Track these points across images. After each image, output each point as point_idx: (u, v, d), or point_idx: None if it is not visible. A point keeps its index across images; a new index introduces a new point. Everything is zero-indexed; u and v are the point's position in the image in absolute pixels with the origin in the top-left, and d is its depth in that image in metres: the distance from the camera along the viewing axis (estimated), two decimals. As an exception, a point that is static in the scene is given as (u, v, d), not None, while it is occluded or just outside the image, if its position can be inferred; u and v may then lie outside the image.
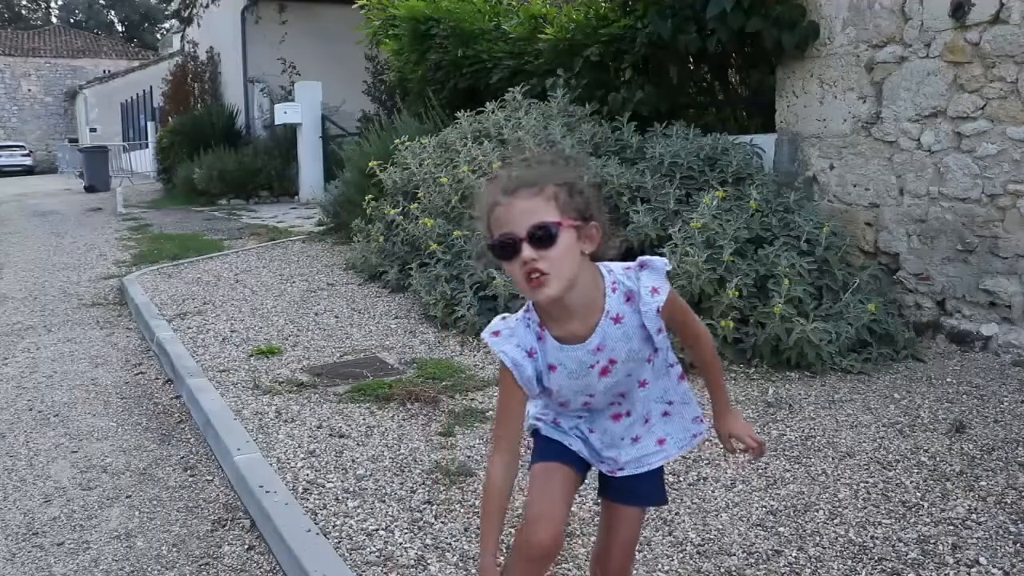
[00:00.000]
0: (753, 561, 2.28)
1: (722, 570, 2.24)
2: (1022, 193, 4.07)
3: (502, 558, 1.69)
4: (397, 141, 6.60)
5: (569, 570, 2.25)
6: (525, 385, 1.54)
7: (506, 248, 1.43)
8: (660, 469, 1.74)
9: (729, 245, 4.11)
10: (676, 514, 2.56)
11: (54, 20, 51.90)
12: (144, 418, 3.79)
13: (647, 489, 1.73)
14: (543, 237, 1.41)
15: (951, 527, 2.45)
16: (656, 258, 1.57)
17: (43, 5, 55.03)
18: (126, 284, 6.52)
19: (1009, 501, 2.60)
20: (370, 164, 6.72)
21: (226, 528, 2.71)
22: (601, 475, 1.75)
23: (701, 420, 1.75)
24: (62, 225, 11.69)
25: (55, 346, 5.08)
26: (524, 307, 1.58)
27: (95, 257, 8.53)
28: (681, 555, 2.32)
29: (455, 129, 6.31)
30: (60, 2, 53.95)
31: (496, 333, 1.55)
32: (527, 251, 1.41)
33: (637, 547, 2.36)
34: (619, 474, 1.70)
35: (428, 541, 2.42)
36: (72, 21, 50.92)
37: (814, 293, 4.15)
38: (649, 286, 1.53)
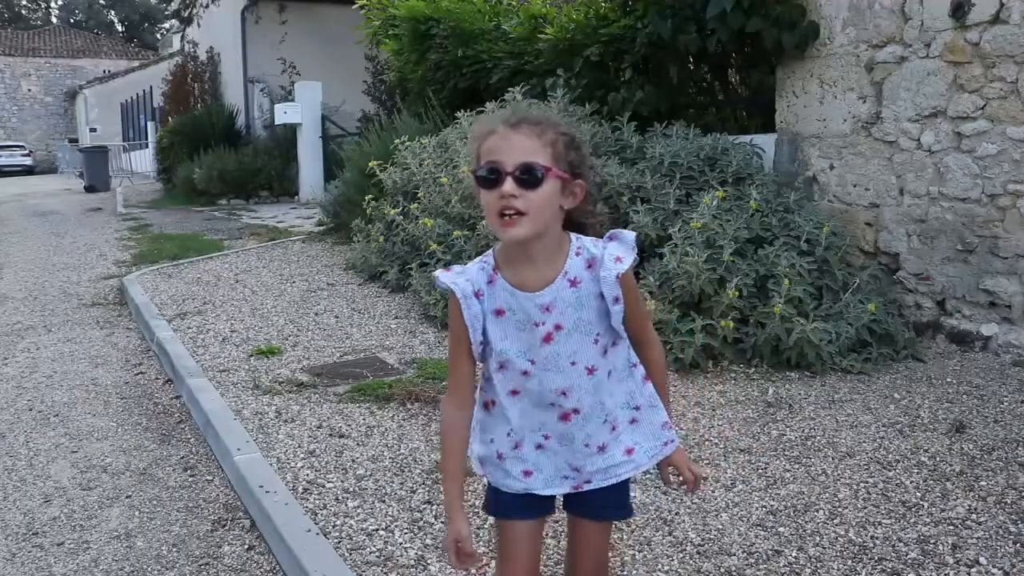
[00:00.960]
0: (753, 561, 2.28)
1: (722, 570, 2.24)
2: (1022, 193, 4.07)
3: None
4: (397, 141, 6.61)
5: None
6: (471, 324, 1.48)
7: (490, 175, 1.41)
8: (625, 480, 1.63)
9: (729, 245, 4.11)
10: (676, 514, 2.56)
11: (54, 20, 51.93)
12: (144, 418, 3.79)
13: (611, 501, 1.62)
14: (529, 178, 1.39)
15: (951, 527, 2.45)
16: (626, 231, 1.54)
17: (43, 5, 55.05)
18: (126, 284, 6.53)
19: (1009, 501, 2.60)
20: (370, 164, 6.72)
21: (226, 528, 2.71)
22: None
23: (671, 426, 1.64)
24: (62, 225, 11.69)
25: (55, 346, 5.08)
26: (482, 255, 1.55)
27: (95, 257, 8.53)
28: (681, 555, 2.32)
29: (455, 129, 6.30)
30: (60, 2, 53.98)
31: (448, 269, 1.54)
32: (509, 185, 1.39)
33: (637, 547, 2.36)
34: (585, 488, 1.59)
35: (428, 541, 2.42)
36: (72, 21, 50.93)
37: (814, 293, 4.16)
38: (614, 254, 1.49)
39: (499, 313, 1.49)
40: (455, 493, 1.53)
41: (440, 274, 1.52)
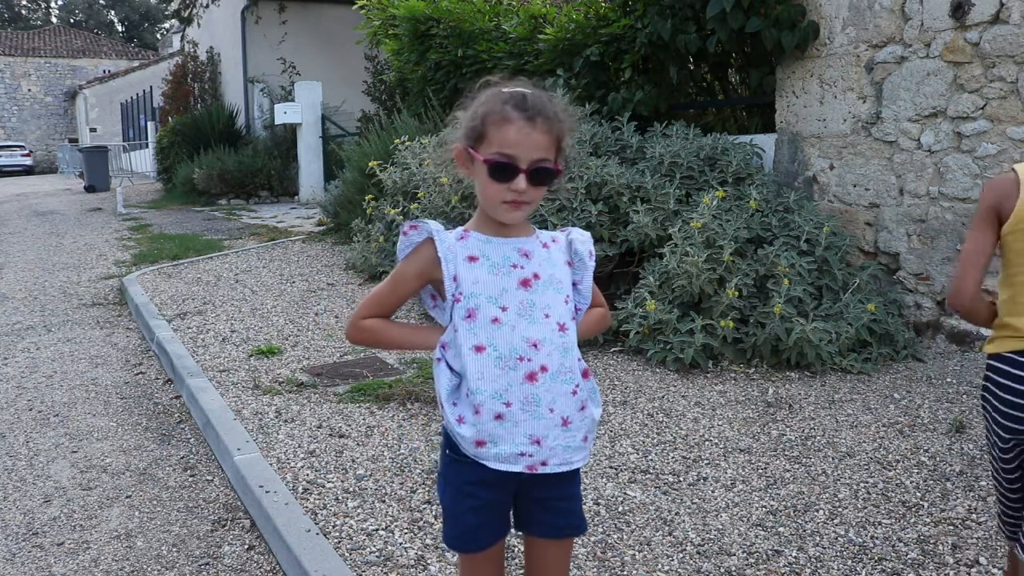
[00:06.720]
0: (753, 561, 2.28)
1: (722, 570, 2.24)
2: (1022, 193, 4.07)
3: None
4: (397, 141, 6.61)
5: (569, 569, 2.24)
6: (444, 256, 1.48)
7: (504, 170, 1.43)
8: (578, 492, 1.62)
9: (729, 245, 4.11)
10: (676, 514, 2.56)
11: (54, 20, 51.94)
12: (144, 418, 3.79)
13: (564, 519, 1.60)
14: (542, 177, 1.45)
15: (951, 527, 2.45)
16: (579, 228, 1.65)
17: (43, 5, 55.04)
18: (126, 284, 6.52)
19: (1009, 501, 2.60)
20: (370, 164, 6.73)
21: (226, 528, 2.71)
22: (516, 509, 1.61)
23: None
24: (62, 225, 11.68)
25: (55, 346, 5.08)
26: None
27: (95, 257, 8.53)
28: (681, 555, 2.32)
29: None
30: (60, 2, 53.98)
31: (416, 219, 1.57)
32: (522, 183, 1.43)
33: (637, 547, 2.36)
34: (540, 470, 1.52)
35: (428, 541, 2.42)
36: (72, 21, 50.94)
37: (814, 293, 4.16)
38: (576, 235, 1.60)
39: (472, 259, 1.51)
40: (416, 331, 1.67)
41: (412, 221, 1.53)
